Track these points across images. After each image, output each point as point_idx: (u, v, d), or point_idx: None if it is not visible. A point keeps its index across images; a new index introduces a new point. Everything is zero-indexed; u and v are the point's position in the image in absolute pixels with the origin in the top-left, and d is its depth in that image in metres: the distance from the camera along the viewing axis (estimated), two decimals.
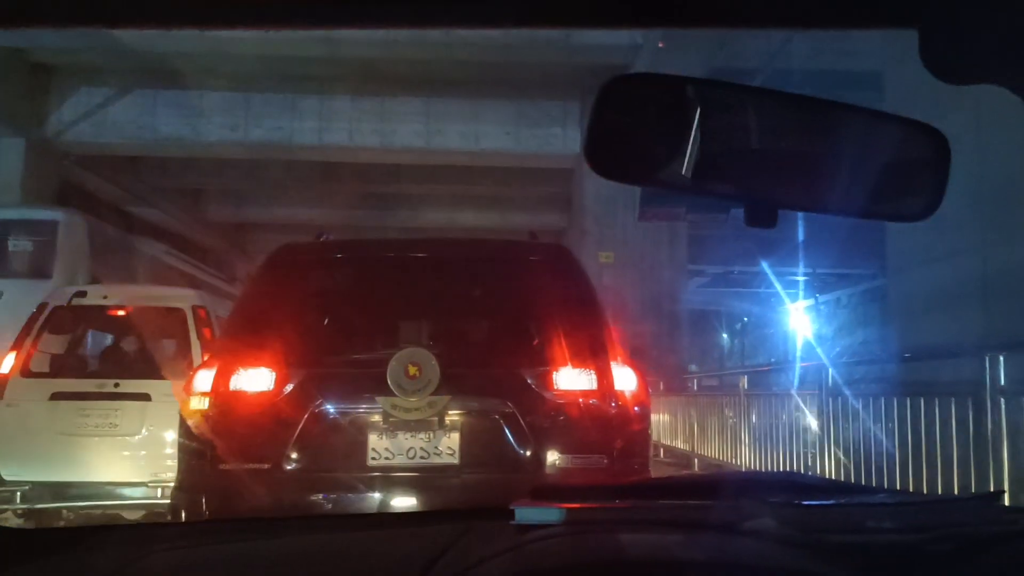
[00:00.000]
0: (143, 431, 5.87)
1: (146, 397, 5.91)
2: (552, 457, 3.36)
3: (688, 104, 0.91)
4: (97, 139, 14.93)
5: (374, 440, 3.35)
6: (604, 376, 3.45)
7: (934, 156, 0.97)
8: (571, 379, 3.45)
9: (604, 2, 0.89)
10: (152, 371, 6.08)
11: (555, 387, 3.44)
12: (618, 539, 0.94)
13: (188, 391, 3.49)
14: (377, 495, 3.36)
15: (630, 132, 0.93)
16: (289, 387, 3.38)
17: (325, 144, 15.20)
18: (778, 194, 0.94)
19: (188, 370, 6.11)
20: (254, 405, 3.37)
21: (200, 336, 6.26)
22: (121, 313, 6.62)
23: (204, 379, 3.44)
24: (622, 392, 3.47)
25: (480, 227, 20.64)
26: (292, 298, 3.78)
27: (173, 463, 5.84)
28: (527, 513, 1.02)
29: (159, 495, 5.69)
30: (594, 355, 3.47)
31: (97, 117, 14.69)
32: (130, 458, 5.86)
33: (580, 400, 3.43)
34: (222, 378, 3.40)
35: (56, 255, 9.29)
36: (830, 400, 5.52)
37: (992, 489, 3.78)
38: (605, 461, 3.37)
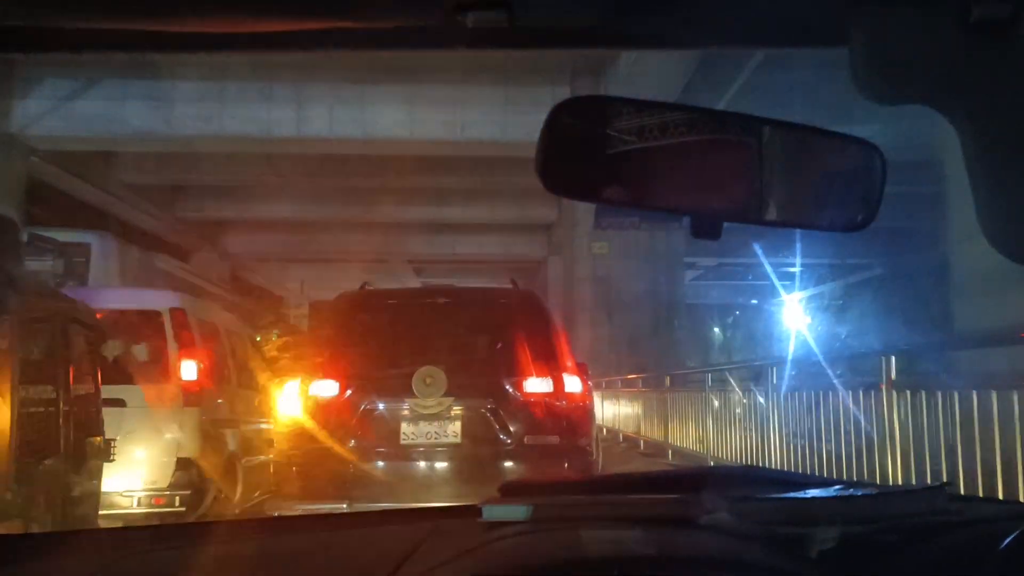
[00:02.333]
0: (117, 438, 5.51)
1: (121, 403, 5.77)
2: (522, 437, 4.92)
3: (633, 124, 0.95)
4: (66, 133, 14.32)
5: (404, 427, 4.92)
6: (558, 383, 5.04)
7: (871, 169, 1.02)
8: (536, 385, 5.02)
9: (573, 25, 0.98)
10: (128, 376, 6.02)
11: (524, 390, 5.02)
12: (581, 535, 0.97)
13: (284, 396, 5.12)
14: (406, 463, 4.96)
15: (579, 151, 0.97)
16: (348, 392, 5.02)
17: (303, 136, 14.64)
18: (721, 208, 0.99)
19: (165, 375, 6.12)
20: (326, 404, 5.00)
21: (178, 339, 6.14)
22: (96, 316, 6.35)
23: (293, 388, 5.13)
24: (571, 393, 5.09)
25: (467, 221, 20.16)
26: (348, 331, 5.48)
27: (148, 471, 5.87)
28: (494, 511, 1.06)
29: (135, 505, 5.78)
30: (551, 369, 5.06)
31: (64, 110, 14.04)
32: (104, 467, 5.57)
33: (541, 399, 5.01)
34: (304, 386, 5.08)
35: (89, 276, 9.70)
36: (895, 394, 4.74)
37: None
38: (558, 439, 4.96)
